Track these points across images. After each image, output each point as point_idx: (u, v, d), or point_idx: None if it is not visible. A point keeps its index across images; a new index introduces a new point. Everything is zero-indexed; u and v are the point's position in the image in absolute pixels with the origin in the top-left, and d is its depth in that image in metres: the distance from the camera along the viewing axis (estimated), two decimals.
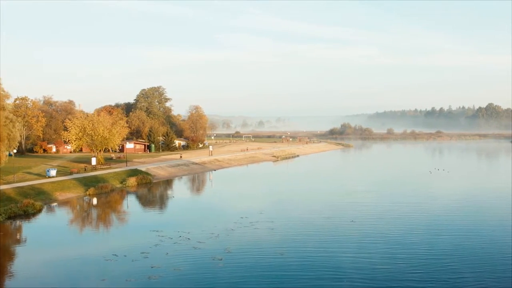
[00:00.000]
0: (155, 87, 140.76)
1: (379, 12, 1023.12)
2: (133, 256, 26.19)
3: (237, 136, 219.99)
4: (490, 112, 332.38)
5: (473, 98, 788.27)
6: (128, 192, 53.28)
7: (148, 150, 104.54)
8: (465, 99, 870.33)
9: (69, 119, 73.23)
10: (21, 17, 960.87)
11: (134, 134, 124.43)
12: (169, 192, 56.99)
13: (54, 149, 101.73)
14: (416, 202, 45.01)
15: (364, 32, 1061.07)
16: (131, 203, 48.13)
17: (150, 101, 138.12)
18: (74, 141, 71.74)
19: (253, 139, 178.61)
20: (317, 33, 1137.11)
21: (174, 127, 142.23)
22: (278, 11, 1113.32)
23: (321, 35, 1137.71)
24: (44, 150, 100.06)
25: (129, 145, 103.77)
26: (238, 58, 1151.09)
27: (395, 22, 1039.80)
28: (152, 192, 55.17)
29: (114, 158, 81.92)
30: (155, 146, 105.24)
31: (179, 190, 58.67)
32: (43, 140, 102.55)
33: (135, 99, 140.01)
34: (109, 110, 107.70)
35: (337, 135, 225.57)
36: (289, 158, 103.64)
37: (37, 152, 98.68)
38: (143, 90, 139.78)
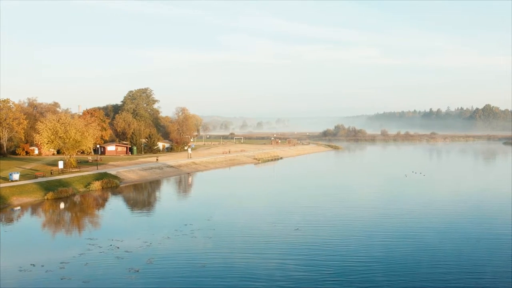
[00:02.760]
0: (142, 89, 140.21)
1: (379, 13, 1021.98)
2: (50, 267, 25.59)
3: (231, 137, 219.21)
4: (487, 113, 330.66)
5: (473, 99, 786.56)
6: (87, 197, 52.69)
7: (130, 152, 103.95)
8: (465, 100, 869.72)
9: (41, 122, 72.73)
10: (18, 18, 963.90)
11: (120, 136, 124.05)
12: (130, 196, 55.97)
13: (36, 151, 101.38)
14: (372, 206, 44.34)
15: (364, 33, 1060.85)
16: (82, 208, 47.28)
17: (137, 102, 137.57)
18: (46, 144, 71.28)
19: (242, 141, 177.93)
20: (317, 34, 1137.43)
21: (162, 129, 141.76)
22: (279, 12, 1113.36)
23: (322, 36, 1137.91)
24: (27, 153, 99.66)
25: (111, 148, 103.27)
26: (239, 59, 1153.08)
27: (395, 23, 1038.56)
28: (113, 196, 54.21)
29: (90, 160, 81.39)
30: (137, 148, 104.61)
31: (141, 195, 57.75)
32: (26, 142, 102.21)
33: (122, 101, 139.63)
34: (91, 112, 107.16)
35: (330, 136, 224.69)
36: (271, 160, 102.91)
37: (19, 154, 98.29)
38: (130, 91, 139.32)
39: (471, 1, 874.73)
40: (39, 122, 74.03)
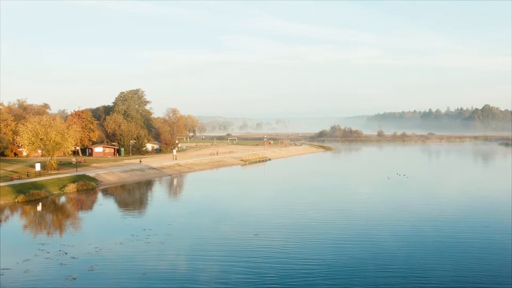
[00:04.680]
0: (133, 90, 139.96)
1: (379, 13, 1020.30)
2: None
3: (226, 138, 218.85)
4: (486, 113, 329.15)
5: (473, 99, 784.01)
6: (59, 200, 52.35)
7: (118, 154, 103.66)
8: (465, 100, 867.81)
9: (22, 124, 72.66)
10: (17, 18, 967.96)
11: (110, 137, 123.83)
12: (101, 199, 54.76)
13: (25, 153, 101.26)
14: (339, 209, 43.80)
15: (364, 33, 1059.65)
16: (48, 211, 46.40)
17: (128, 104, 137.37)
18: (27, 145, 71.15)
19: (236, 142, 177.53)
20: (318, 35, 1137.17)
21: (155, 131, 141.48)
22: (279, 13, 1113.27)
23: (322, 36, 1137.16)
24: (15, 154, 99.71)
25: (98, 149, 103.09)
26: (239, 59, 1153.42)
27: (395, 23, 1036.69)
28: (85, 199, 53.65)
29: (74, 162, 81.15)
30: (125, 150, 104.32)
31: (113, 198, 56.94)
32: (15, 144, 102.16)
33: (113, 102, 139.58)
34: (78, 114, 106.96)
35: (326, 137, 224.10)
36: (259, 162, 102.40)
37: (7, 155, 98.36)
38: (122, 93, 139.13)
39: (471, 1, 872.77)
40: (19, 124, 73.96)
